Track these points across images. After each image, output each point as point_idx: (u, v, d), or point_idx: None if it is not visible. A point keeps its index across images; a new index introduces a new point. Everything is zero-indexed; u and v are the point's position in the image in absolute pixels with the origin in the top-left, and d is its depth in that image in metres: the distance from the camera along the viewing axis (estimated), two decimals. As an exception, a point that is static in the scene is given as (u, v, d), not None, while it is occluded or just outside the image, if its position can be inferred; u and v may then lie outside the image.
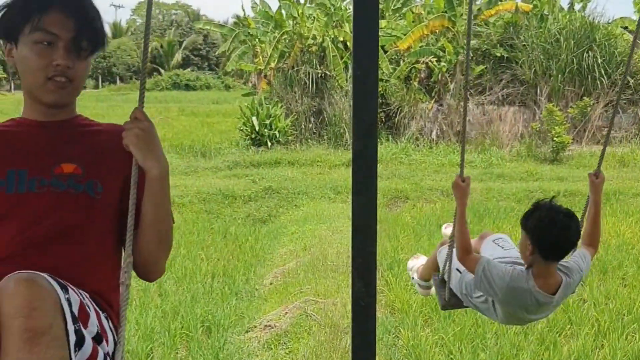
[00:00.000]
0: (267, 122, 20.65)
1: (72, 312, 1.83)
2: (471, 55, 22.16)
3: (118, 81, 69.21)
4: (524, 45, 21.89)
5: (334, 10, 23.05)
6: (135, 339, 6.10)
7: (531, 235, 3.01)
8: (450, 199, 13.66)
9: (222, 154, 19.63)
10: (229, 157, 18.83)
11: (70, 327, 1.80)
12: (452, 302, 3.56)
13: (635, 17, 23.45)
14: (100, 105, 35.30)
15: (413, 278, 4.37)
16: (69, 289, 1.89)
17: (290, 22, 23.18)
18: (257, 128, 20.57)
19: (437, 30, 22.20)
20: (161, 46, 74.80)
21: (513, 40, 22.16)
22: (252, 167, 17.37)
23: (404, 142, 21.01)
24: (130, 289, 2.15)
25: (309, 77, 21.98)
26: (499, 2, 22.02)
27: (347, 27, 22.23)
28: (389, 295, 7.44)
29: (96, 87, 71.21)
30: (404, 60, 22.18)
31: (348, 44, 21.85)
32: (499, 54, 22.18)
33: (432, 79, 22.32)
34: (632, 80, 21.08)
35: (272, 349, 6.11)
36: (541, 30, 22.14)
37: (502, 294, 3.10)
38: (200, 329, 6.51)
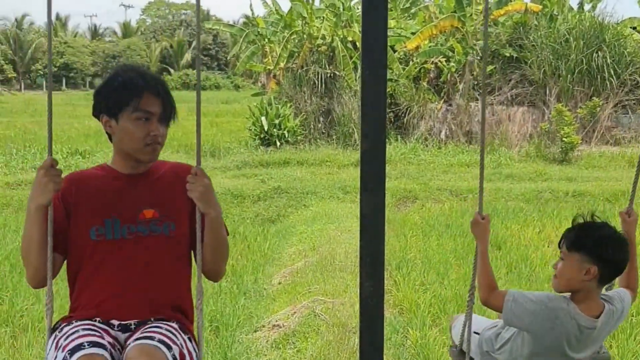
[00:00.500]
0: (276, 122, 20.68)
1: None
2: (480, 55, 22.15)
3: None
4: (533, 45, 21.84)
5: (343, 10, 23.07)
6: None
7: (597, 256, 2.77)
8: (458, 199, 13.67)
9: (231, 154, 19.66)
10: (238, 157, 18.85)
11: None
12: None
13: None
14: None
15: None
16: (172, 346, 2.62)
17: (300, 22, 23.20)
18: (266, 128, 20.60)
19: (447, 31, 22.19)
20: (171, 46, 75.07)
21: (522, 40, 22.12)
22: (261, 167, 17.39)
23: (413, 142, 21.00)
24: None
25: (318, 77, 21.98)
26: (509, 2, 21.98)
27: (357, 27, 22.23)
28: (397, 295, 7.43)
29: (106, 86, 71.39)
30: (413, 61, 22.18)
31: (357, 44, 21.84)
32: (508, 54, 22.15)
33: (441, 79, 22.31)
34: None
35: (280, 348, 6.12)
36: (550, 30, 22.09)
37: (539, 320, 2.83)
38: (209, 328, 6.52)
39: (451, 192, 14.11)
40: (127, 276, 2.77)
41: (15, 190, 14.41)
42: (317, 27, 22.41)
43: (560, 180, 15.62)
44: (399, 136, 21.58)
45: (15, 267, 8.46)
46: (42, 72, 70.06)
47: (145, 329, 2.73)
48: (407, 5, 25.21)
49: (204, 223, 2.78)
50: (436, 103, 22.09)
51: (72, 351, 2.50)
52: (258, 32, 25.12)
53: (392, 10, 23.62)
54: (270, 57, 24.05)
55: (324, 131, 22.19)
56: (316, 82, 22.02)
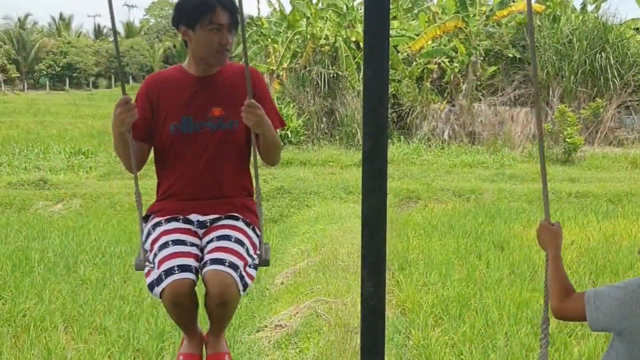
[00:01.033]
0: (279, 122, 20.64)
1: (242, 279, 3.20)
2: (483, 55, 22.14)
3: (131, 80, 69.43)
4: (537, 45, 21.79)
5: (347, 10, 23.07)
6: (146, 338, 6.12)
7: None
8: (461, 200, 13.66)
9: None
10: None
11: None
12: None
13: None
14: (113, 105, 35.32)
15: None
16: (238, 267, 3.18)
17: (303, 22, 23.20)
18: (269, 128, 20.55)
19: (450, 31, 22.18)
20: (174, 46, 74.99)
21: (525, 40, 22.08)
22: (263, 167, 17.32)
23: (416, 143, 21.00)
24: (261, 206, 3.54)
25: (321, 77, 21.98)
26: (511, 3, 21.96)
27: (360, 28, 22.21)
28: (400, 295, 7.42)
29: (109, 86, 71.51)
30: (416, 61, 22.16)
31: (360, 44, 21.83)
32: (511, 55, 22.13)
33: (444, 80, 22.30)
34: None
35: (282, 348, 6.11)
36: (554, 31, 22.06)
37: (630, 309, 2.32)
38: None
39: (454, 192, 14.10)
40: (200, 163, 3.42)
41: (17, 190, 14.42)
42: (321, 27, 22.42)
43: (563, 180, 15.60)
44: (401, 136, 21.59)
45: (17, 266, 8.46)
46: (45, 72, 70.10)
47: (219, 228, 3.39)
48: (410, 5, 25.19)
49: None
50: (439, 103, 22.07)
51: (167, 273, 3.10)
52: (261, 32, 25.13)
53: (394, 11, 23.60)
54: (273, 57, 24.04)
55: (326, 131, 22.19)
56: (319, 82, 22.01)
